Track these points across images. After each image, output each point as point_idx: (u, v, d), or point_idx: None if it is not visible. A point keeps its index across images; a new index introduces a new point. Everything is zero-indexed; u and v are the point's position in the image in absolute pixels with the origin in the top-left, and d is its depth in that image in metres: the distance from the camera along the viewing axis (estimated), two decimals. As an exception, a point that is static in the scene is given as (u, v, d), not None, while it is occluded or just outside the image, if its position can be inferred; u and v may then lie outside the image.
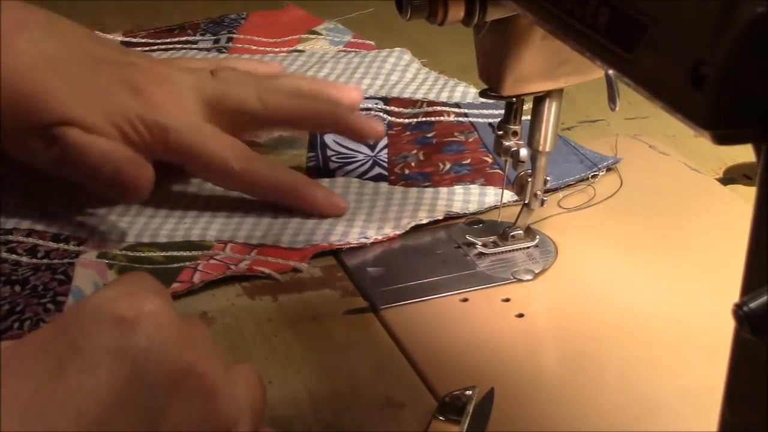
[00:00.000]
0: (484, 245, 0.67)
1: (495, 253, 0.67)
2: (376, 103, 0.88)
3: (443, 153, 0.79)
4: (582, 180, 0.75)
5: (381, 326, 0.61)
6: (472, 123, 0.84)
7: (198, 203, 0.73)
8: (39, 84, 0.67)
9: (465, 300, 0.63)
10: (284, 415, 0.53)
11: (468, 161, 0.78)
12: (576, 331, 0.60)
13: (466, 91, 0.89)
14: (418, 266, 0.66)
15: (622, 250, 0.67)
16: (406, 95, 0.89)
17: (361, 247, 0.68)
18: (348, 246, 0.68)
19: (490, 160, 0.77)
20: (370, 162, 0.78)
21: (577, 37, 0.42)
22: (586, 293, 0.63)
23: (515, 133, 0.64)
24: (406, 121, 0.85)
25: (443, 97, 0.88)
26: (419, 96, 0.89)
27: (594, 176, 0.75)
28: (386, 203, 0.72)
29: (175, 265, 0.65)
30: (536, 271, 0.65)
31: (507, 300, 0.63)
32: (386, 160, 0.79)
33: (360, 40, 1.01)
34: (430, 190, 0.74)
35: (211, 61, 0.85)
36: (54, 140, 0.67)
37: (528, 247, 0.67)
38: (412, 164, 0.78)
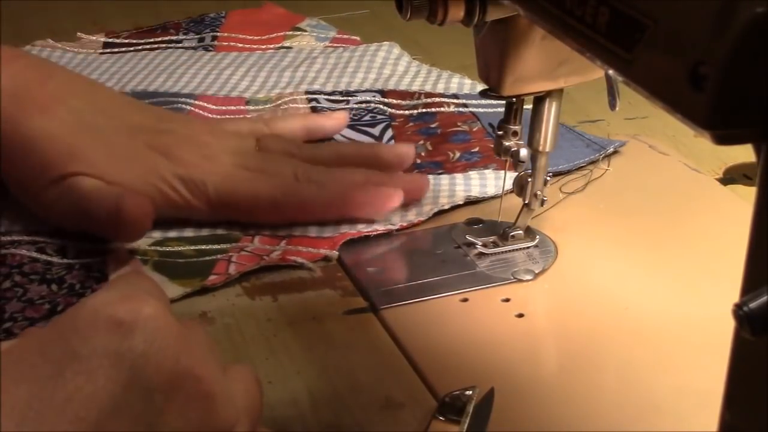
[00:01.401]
0: (484, 245, 0.67)
1: (495, 253, 0.67)
2: (374, 96, 0.89)
3: (451, 142, 0.81)
4: (592, 162, 0.77)
5: (381, 326, 0.61)
6: (473, 113, 0.85)
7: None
8: (74, 146, 0.66)
9: (465, 300, 0.63)
10: (284, 415, 0.53)
11: (477, 149, 0.79)
12: (576, 331, 0.60)
13: (462, 83, 0.91)
14: (418, 266, 0.66)
15: (622, 250, 0.67)
16: (402, 88, 0.90)
17: (361, 247, 0.68)
18: (376, 233, 0.69)
19: None
20: None
21: (576, 37, 0.42)
22: (586, 293, 0.63)
23: (515, 133, 0.64)
24: (407, 112, 0.86)
25: (440, 89, 0.90)
26: (415, 88, 0.90)
27: (605, 158, 0.78)
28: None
29: (208, 258, 0.66)
30: (536, 271, 0.65)
31: (507, 300, 0.63)
32: None
33: (345, 36, 1.02)
34: (445, 176, 0.75)
35: (258, 123, 0.79)
36: (67, 189, 0.66)
37: (528, 247, 0.67)
38: (422, 154, 0.79)
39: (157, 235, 0.69)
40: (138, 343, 0.38)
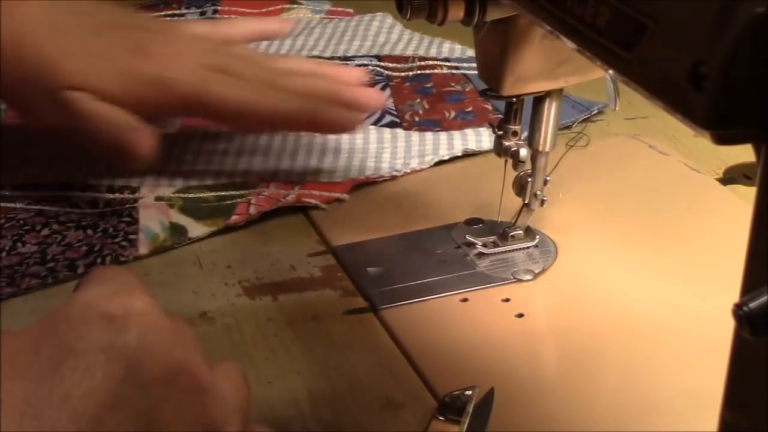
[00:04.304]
0: (484, 245, 0.67)
1: (495, 253, 0.67)
2: (371, 60, 0.93)
3: (446, 102, 0.85)
4: (579, 122, 0.82)
5: (381, 326, 0.61)
6: (465, 75, 0.89)
7: (231, 150, 0.78)
8: (44, 49, 0.67)
9: (465, 300, 0.63)
10: (284, 415, 0.53)
11: (470, 109, 0.84)
12: (576, 331, 0.60)
13: (453, 47, 0.95)
14: (418, 266, 0.66)
15: (622, 250, 0.67)
16: (397, 53, 0.95)
17: (361, 247, 0.68)
18: (382, 179, 0.75)
19: (490, 107, 0.83)
20: (379, 111, 0.84)
21: (576, 37, 0.42)
22: (586, 293, 0.63)
23: (515, 133, 0.64)
24: (403, 74, 0.91)
25: (432, 53, 0.94)
26: (410, 53, 0.95)
27: (587, 119, 0.83)
28: (407, 144, 0.79)
29: (228, 202, 0.71)
30: (536, 271, 0.65)
31: (507, 300, 0.63)
32: (394, 108, 0.84)
33: (339, 9, 1.07)
34: (443, 133, 0.80)
35: (216, 28, 0.80)
36: (62, 106, 0.67)
37: (528, 247, 0.67)
38: (420, 112, 0.84)
39: (179, 184, 0.74)
40: (132, 337, 0.38)
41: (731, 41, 0.32)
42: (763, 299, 0.33)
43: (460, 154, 0.77)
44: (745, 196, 0.73)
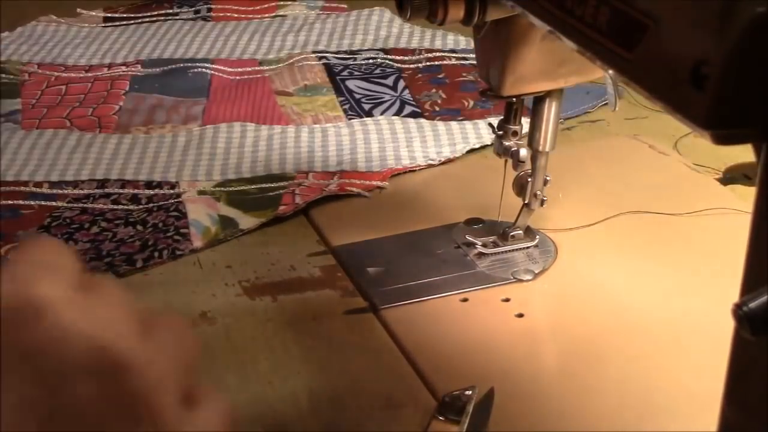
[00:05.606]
0: (484, 245, 0.67)
1: (495, 253, 0.67)
2: (377, 54, 0.95)
3: (462, 91, 0.88)
4: (594, 107, 0.85)
5: (381, 326, 0.61)
6: (473, 65, 0.91)
7: (260, 144, 0.80)
8: None
9: (465, 300, 0.63)
10: (284, 415, 0.53)
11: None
12: (576, 330, 0.60)
13: (456, 39, 0.98)
14: (418, 266, 0.66)
15: (622, 250, 0.67)
16: (402, 46, 0.97)
17: (361, 247, 0.68)
18: (419, 168, 0.76)
19: None
20: (399, 102, 0.86)
21: (577, 37, 0.42)
22: (585, 293, 0.63)
23: (515, 133, 0.64)
24: (413, 66, 0.93)
25: (437, 45, 0.97)
26: (414, 45, 0.97)
27: (604, 104, 0.84)
28: (434, 134, 0.81)
29: (272, 193, 0.73)
30: (536, 271, 0.65)
31: (507, 300, 0.63)
32: (412, 99, 0.87)
33: (334, 4, 1.09)
34: (467, 122, 0.83)
35: None
36: None
37: (528, 247, 0.67)
38: (438, 101, 0.86)
39: (217, 177, 0.75)
40: (39, 332, 0.34)
41: (732, 41, 0.32)
42: (763, 299, 0.33)
43: (490, 143, 0.78)
44: (745, 196, 0.73)
